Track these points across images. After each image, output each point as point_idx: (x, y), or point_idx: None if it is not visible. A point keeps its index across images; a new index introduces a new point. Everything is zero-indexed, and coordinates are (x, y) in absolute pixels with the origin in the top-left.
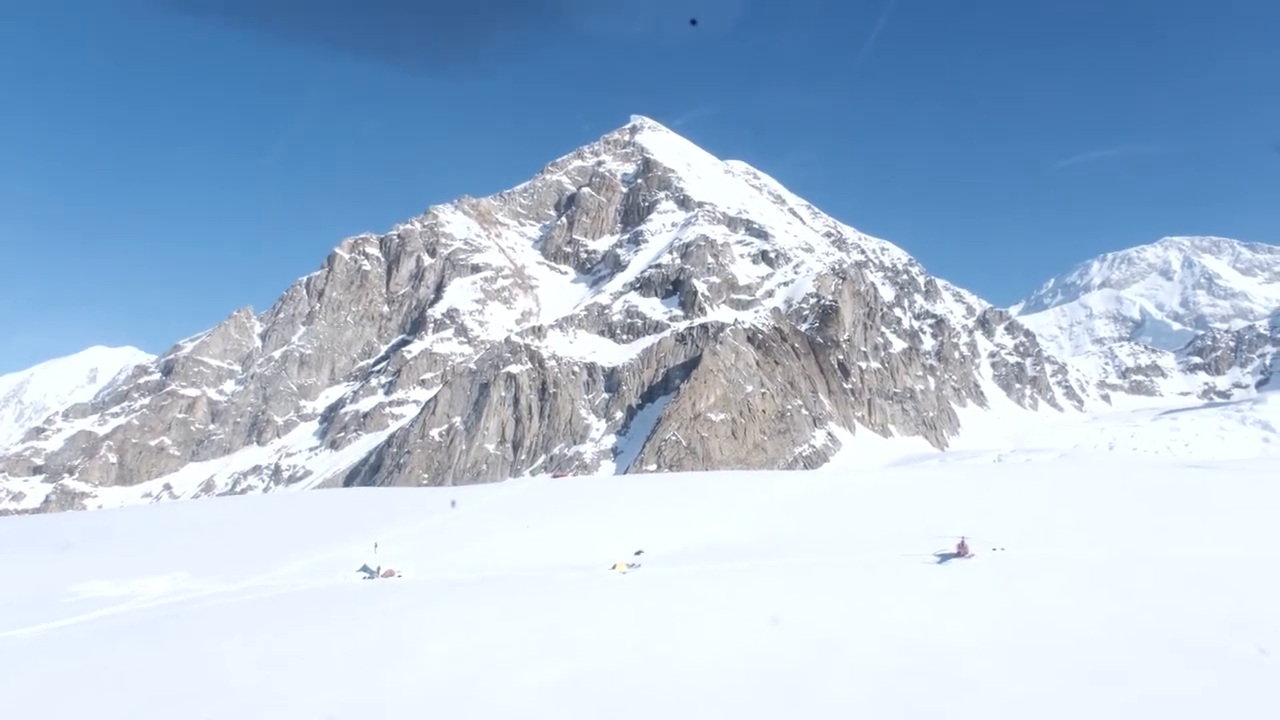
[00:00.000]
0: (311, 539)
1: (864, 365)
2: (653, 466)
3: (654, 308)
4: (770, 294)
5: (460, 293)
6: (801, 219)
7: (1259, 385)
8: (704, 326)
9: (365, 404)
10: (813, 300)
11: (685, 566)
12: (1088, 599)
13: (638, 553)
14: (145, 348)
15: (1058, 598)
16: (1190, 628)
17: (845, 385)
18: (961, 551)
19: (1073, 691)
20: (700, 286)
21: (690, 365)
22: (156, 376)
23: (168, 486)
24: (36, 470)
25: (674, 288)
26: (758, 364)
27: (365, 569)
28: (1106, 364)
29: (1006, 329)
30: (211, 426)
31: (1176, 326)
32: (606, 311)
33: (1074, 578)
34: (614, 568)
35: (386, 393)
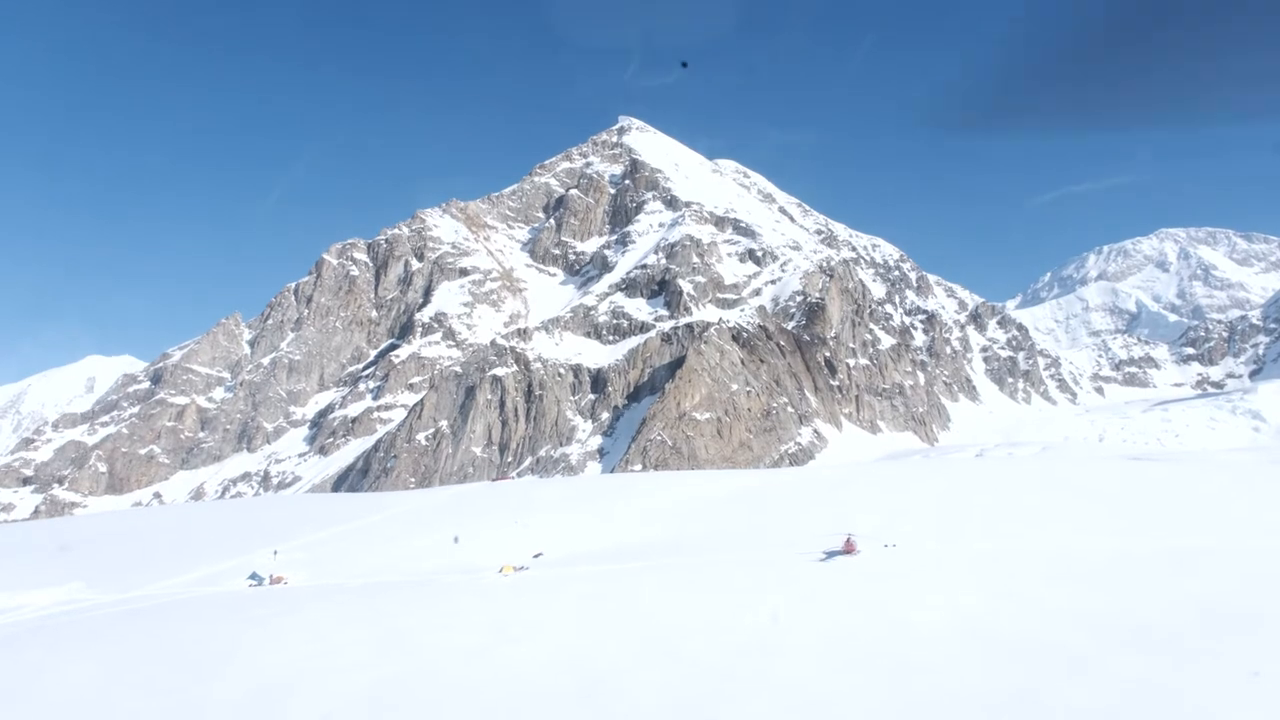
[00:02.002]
0: (220, 547)
1: (852, 362)
2: (638, 467)
3: (640, 308)
4: (757, 293)
5: (448, 296)
6: (791, 217)
7: (1252, 375)
8: (689, 326)
9: (354, 409)
10: (799, 298)
11: (574, 568)
12: (947, 595)
13: (537, 555)
14: (142, 356)
15: (917, 594)
16: (1033, 624)
17: (832, 382)
18: (848, 549)
19: (870, 689)
20: (686, 286)
21: (676, 365)
22: (146, 385)
23: (158, 495)
24: (26, 481)
25: (660, 288)
26: (743, 363)
27: (254, 576)
28: (1100, 356)
29: (999, 323)
30: (201, 434)
31: (1173, 318)
32: (592, 313)
33: (947, 574)
34: (501, 571)
35: (375, 397)
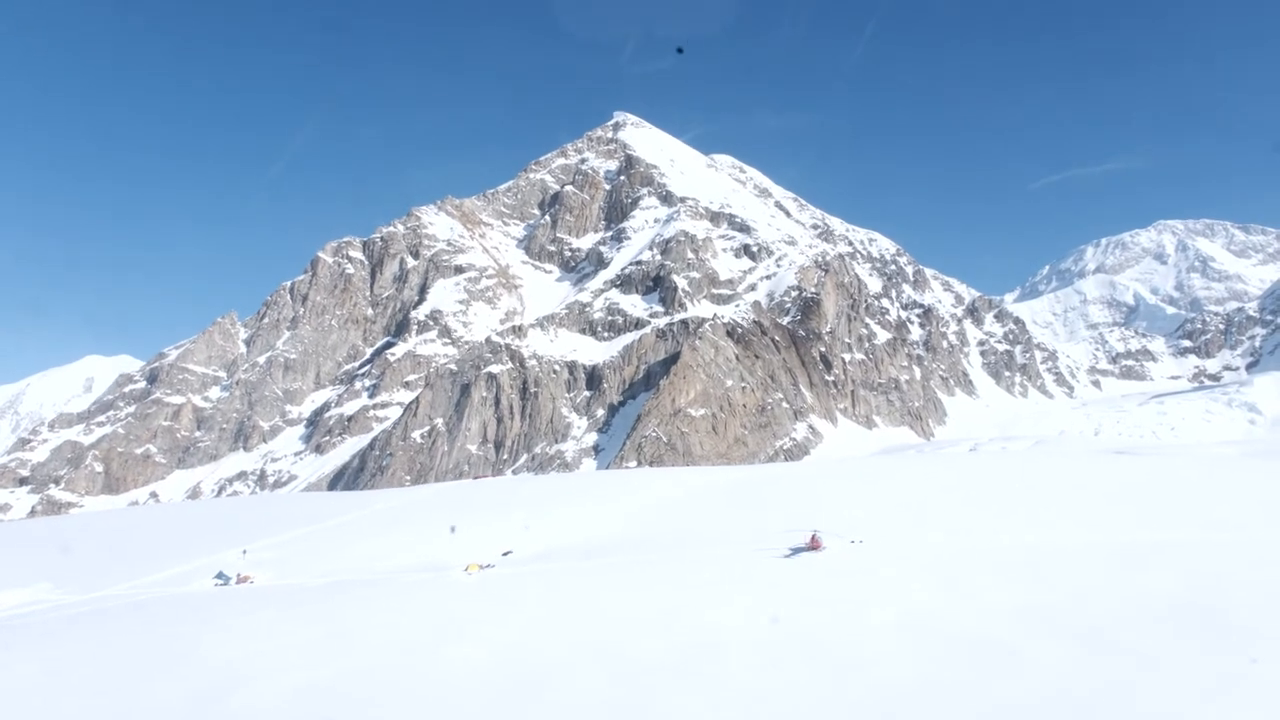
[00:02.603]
0: (192, 546)
1: (847, 357)
2: (633, 463)
3: (635, 304)
4: (752, 288)
5: (444, 294)
6: (787, 212)
7: (1249, 368)
8: (684, 322)
9: (349, 407)
10: (795, 293)
11: (541, 566)
12: (903, 592)
13: (506, 553)
14: (141, 356)
15: (874, 591)
16: (983, 619)
17: (827, 377)
18: (814, 545)
19: (808, 686)
20: (681, 282)
21: (670, 361)
22: (142, 385)
23: (154, 494)
24: (23, 481)
25: (655, 284)
26: (737, 358)
27: (221, 576)
28: (1097, 349)
29: (995, 317)
30: (198, 433)
31: (1171, 310)
32: (587, 309)
33: (908, 570)
34: (466, 569)
35: (370, 396)
